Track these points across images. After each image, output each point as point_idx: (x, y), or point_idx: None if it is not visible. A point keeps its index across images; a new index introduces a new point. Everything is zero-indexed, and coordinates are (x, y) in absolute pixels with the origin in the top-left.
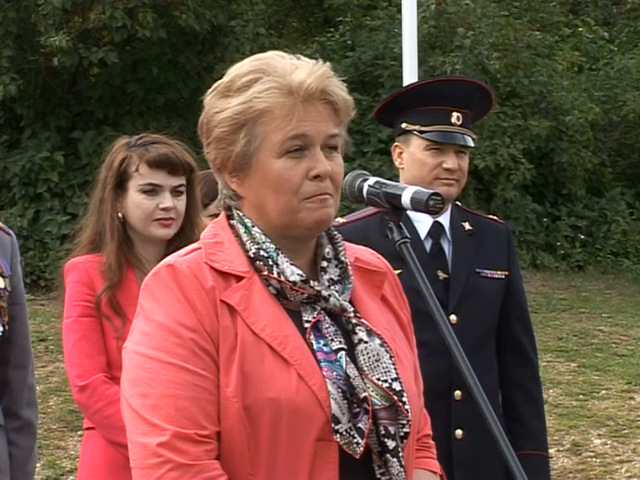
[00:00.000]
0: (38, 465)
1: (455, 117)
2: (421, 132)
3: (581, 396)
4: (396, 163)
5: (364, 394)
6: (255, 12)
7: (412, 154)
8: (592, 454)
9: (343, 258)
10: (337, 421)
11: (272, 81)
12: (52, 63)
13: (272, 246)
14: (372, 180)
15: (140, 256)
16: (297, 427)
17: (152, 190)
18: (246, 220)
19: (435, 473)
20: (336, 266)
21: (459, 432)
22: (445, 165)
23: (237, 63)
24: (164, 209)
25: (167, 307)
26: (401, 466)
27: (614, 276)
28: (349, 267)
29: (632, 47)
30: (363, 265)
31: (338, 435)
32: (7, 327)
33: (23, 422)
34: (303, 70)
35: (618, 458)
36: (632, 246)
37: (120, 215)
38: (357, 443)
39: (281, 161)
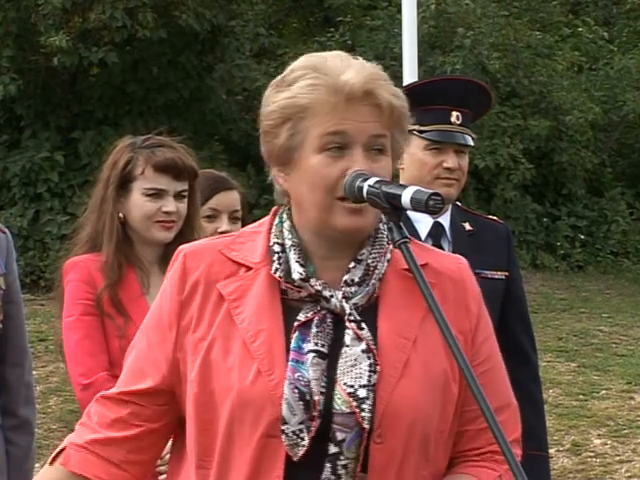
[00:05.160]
0: (38, 465)
1: (455, 116)
2: (421, 132)
3: (581, 396)
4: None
5: (316, 397)
6: (255, 12)
7: (412, 154)
8: (592, 454)
9: (370, 261)
10: (284, 422)
11: (317, 78)
12: (52, 63)
13: (289, 242)
14: (372, 180)
15: (140, 256)
16: (247, 420)
17: (156, 194)
18: (283, 215)
19: (472, 476)
20: (363, 268)
21: None
22: (445, 164)
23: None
24: (166, 212)
25: (163, 289)
26: (334, 474)
27: (614, 276)
28: (376, 271)
29: (632, 47)
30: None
31: (284, 435)
32: (2, 325)
33: (20, 420)
34: (352, 70)
35: (618, 458)
36: (632, 246)
37: (121, 215)
38: (302, 445)
39: (319, 157)
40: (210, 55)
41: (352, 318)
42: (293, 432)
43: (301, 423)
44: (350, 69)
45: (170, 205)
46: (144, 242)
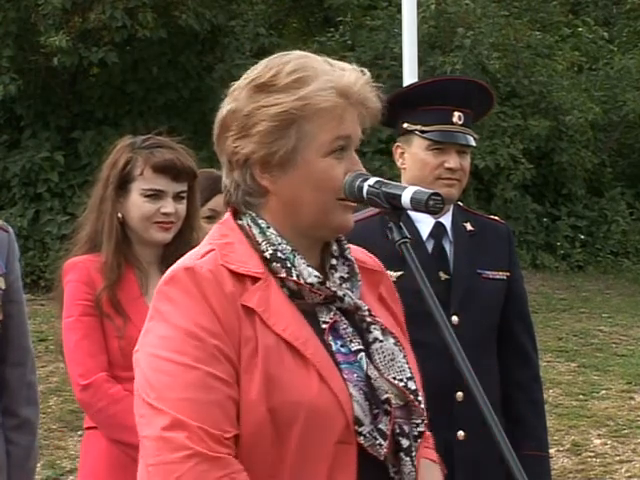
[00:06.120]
0: (38, 465)
1: (456, 116)
2: (422, 132)
3: (581, 396)
4: (398, 163)
5: (386, 395)
6: (255, 12)
7: (414, 154)
8: (592, 454)
9: (349, 255)
10: (360, 423)
11: (329, 81)
12: (52, 63)
13: (288, 248)
14: (372, 180)
15: (139, 256)
16: (318, 430)
17: (155, 195)
18: (260, 221)
19: (435, 462)
20: (343, 263)
21: (461, 433)
22: (447, 165)
23: (281, 57)
24: (165, 214)
25: (187, 311)
26: (413, 465)
27: (614, 276)
28: (355, 265)
29: (632, 47)
30: (362, 264)
31: (362, 437)
32: (3, 325)
33: (21, 420)
34: (352, 74)
35: (618, 458)
36: (632, 246)
37: (120, 215)
38: (380, 444)
39: (326, 160)
40: (210, 55)
41: (373, 313)
42: (369, 432)
43: (371, 423)
44: (348, 73)
45: (169, 206)
46: (143, 243)
